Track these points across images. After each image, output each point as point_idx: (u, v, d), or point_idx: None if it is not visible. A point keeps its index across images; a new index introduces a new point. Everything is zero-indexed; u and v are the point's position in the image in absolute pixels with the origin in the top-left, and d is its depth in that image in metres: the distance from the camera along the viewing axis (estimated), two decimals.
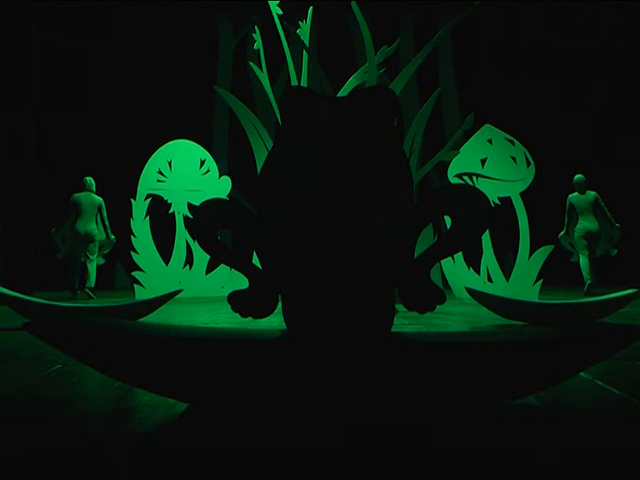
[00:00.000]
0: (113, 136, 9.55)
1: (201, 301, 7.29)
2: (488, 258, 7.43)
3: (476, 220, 2.30)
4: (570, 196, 7.89)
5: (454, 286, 7.50)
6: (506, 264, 7.81)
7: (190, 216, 8.01)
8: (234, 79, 10.25)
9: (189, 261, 8.15)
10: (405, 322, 4.49)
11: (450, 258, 7.29)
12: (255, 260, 2.38)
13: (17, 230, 8.33)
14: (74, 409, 2.43)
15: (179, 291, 5.10)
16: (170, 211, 8.17)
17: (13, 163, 8.48)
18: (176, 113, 9.36)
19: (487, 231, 7.02)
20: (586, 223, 7.75)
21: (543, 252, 7.19)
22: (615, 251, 7.79)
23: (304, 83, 7.03)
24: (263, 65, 7.37)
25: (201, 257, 8.04)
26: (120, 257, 8.90)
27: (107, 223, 7.94)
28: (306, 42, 7.05)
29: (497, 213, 6.90)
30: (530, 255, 7.23)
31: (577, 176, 7.93)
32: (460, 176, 7.42)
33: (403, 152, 2.36)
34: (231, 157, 10.13)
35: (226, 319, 5.19)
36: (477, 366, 2.20)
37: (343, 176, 2.30)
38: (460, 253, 7.32)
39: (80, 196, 7.90)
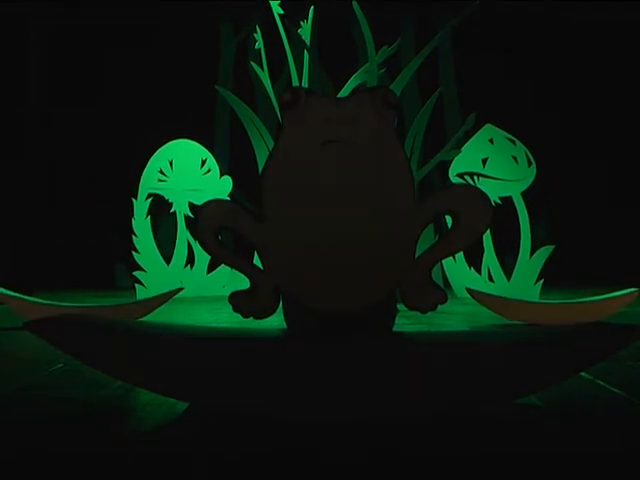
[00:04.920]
0: (113, 136, 9.55)
1: (202, 300, 7.29)
2: (489, 258, 7.42)
3: (477, 219, 2.30)
4: None
5: (455, 285, 7.48)
6: (507, 263, 7.78)
7: (191, 215, 8.01)
8: (235, 79, 10.24)
9: (190, 260, 8.14)
10: (405, 322, 4.49)
11: (451, 257, 7.27)
12: (256, 260, 2.38)
13: (18, 230, 8.33)
14: (74, 409, 2.43)
15: (179, 289, 5.09)
16: (171, 210, 8.17)
17: (15, 163, 8.48)
18: (177, 113, 9.35)
19: (488, 231, 7.00)
20: None
21: (544, 252, 7.16)
22: None
23: (305, 83, 7.02)
24: (264, 65, 7.37)
25: (202, 256, 8.03)
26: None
27: None
28: (307, 42, 7.05)
29: (498, 212, 6.87)
30: (531, 255, 7.21)
31: None
32: (461, 176, 7.39)
33: (404, 152, 2.36)
34: (232, 157, 10.12)
35: (227, 318, 5.18)
36: (477, 366, 2.20)
37: (344, 176, 2.30)
38: (461, 252, 7.30)
39: None
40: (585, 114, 9.75)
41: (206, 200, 2.40)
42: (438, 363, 2.22)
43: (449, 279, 7.63)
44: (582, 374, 2.78)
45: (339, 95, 6.67)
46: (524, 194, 7.34)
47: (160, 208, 8.21)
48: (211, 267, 8.16)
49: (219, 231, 2.34)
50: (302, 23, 7.27)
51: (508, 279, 7.33)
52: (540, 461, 1.87)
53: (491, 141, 7.44)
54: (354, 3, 6.35)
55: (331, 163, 2.30)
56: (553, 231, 8.62)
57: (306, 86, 6.98)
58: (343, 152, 2.30)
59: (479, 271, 7.49)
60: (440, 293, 2.30)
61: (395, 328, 2.45)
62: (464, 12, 6.61)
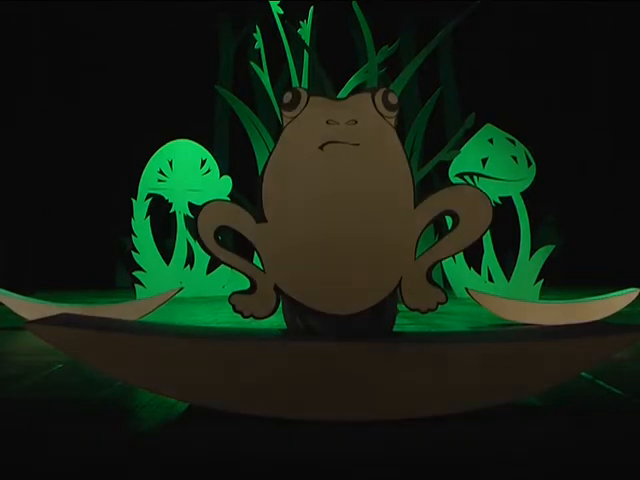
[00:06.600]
0: (112, 136, 9.54)
1: (202, 301, 7.29)
2: (489, 258, 7.42)
3: (477, 220, 2.30)
4: None
5: (455, 286, 7.48)
6: (507, 264, 7.78)
7: (191, 215, 8.00)
8: (235, 79, 10.24)
9: (190, 261, 8.14)
10: (405, 322, 4.49)
11: (451, 258, 7.26)
12: (256, 260, 2.38)
13: (19, 231, 8.33)
14: (74, 409, 2.43)
15: (180, 289, 5.09)
16: (171, 211, 8.17)
17: (14, 163, 8.48)
18: (177, 113, 9.35)
19: (488, 231, 6.98)
20: None
21: (544, 252, 7.16)
22: None
23: (305, 83, 7.02)
24: (264, 65, 7.37)
25: (202, 257, 8.03)
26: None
27: None
28: (307, 42, 7.05)
29: (498, 213, 6.86)
30: (531, 255, 7.21)
31: None
32: (461, 176, 7.39)
33: (404, 152, 2.36)
34: (232, 157, 10.12)
35: (227, 319, 5.18)
36: (477, 366, 2.20)
37: (344, 176, 2.30)
38: (461, 253, 7.29)
39: None
40: (585, 114, 9.75)
41: (206, 200, 2.40)
42: (438, 363, 2.22)
43: (449, 279, 7.63)
44: (582, 374, 2.78)
45: (339, 95, 6.67)
46: (525, 194, 7.34)
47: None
48: (211, 267, 8.17)
49: (219, 231, 2.34)
50: (302, 23, 7.27)
51: (508, 279, 7.33)
52: (540, 461, 1.87)
53: (491, 141, 7.43)
54: (354, 3, 6.35)
55: (331, 163, 2.30)
56: (558, 232, 8.63)
57: (306, 86, 6.98)
58: (343, 152, 2.30)
59: (479, 271, 7.49)
60: (440, 293, 2.30)
61: (395, 328, 2.45)
62: (464, 12, 6.61)
